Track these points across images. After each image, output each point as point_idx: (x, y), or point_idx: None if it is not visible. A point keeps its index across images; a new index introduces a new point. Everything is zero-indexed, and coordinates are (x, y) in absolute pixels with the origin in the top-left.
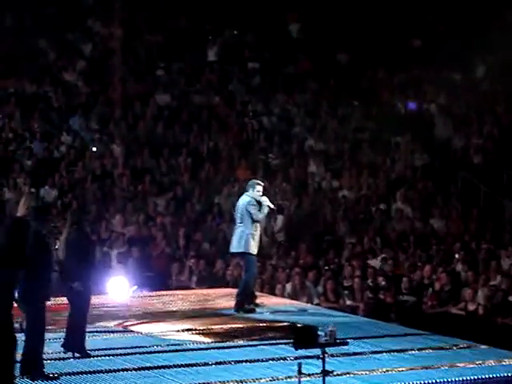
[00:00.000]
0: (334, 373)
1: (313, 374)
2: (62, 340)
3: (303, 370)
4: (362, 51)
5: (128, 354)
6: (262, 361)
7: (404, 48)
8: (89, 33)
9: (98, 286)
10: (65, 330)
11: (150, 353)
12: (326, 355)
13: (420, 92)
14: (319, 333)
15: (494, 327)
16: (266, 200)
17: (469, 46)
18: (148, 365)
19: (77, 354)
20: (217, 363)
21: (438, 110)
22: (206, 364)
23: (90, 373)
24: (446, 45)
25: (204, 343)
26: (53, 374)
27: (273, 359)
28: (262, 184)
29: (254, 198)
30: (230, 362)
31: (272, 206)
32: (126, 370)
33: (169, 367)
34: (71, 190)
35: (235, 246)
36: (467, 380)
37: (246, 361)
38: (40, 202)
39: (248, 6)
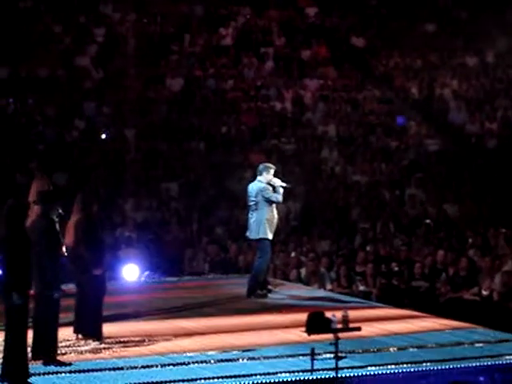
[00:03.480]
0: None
1: (326, 359)
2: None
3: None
4: (377, 36)
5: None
6: (275, 345)
7: (418, 33)
8: (102, 17)
9: (108, 271)
10: (74, 314)
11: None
12: (338, 340)
13: (434, 77)
14: (332, 318)
15: (509, 312)
16: (278, 181)
17: (483, 31)
18: (163, 350)
19: (90, 340)
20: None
21: (452, 94)
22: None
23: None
24: (460, 29)
25: (216, 328)
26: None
27: (285, 344)
28: (273, 167)
29: (267, 182)
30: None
31: (285, 185)
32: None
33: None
34: (83, 175)
35: (252, 233)
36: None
37: (259, 345)
38: (51, 186)
39: None
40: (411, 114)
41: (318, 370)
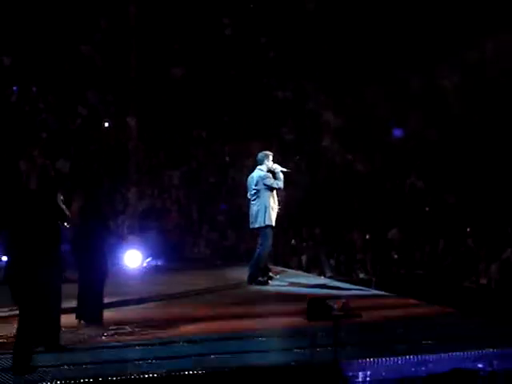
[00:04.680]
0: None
1: (325, 346)
2: (76, 311)
3: (316, 342)
4: (377, 28)
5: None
6: (274, 331)
7: (418, 26)
8: (105, 6)
9: (112, 258)
10: (76, 300)
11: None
12: (338, 327)
13: (433, 69)
14: (332, 305)
15: (507, 300)
16: (277, 166)
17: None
18: (163, 335)
19: (91, 323)
20: (230, 335)
21: (452, 86)
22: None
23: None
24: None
25: (217, 314)
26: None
27: (286, 330)
28: (271, 153)
29: (267, 170)
30: (242, 333)
31: (285, 170)
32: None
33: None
34: (86, 163)
35: (255, 222)
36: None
37: (258, 330)
38: (54, 173)
39: None
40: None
41: (318, 355)
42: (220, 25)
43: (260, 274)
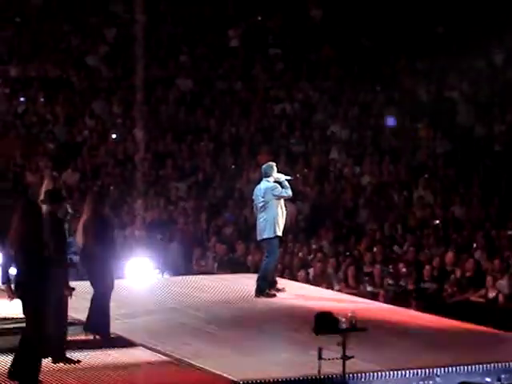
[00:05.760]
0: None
1: (333, 359)
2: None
3: (323, 355)
4: (385, 37)
5: None
6: (282, 345)
7: (427, 34)
8: (112, 17)
9: (118, 270)
10: (87, 312)
11: None
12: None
13: (442, 79)
14: (339, 318)
15: None
16: (281, 176)
17: (491, 34)
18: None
19: (98, 337)
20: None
21: (461, 97)
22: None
23: None
24: (469, 32)
25: (223, 327)
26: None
27: (293, 344)
28: (275, 164)
29: (273, 180)
30: (249, 346)
31: (288, 178)
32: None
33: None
34: (93, 174)
35: (263, 233)
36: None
37: (265, 343)
38: (62, 185)
39: None
40: (419, 115)
41: (326, 369)
42: (225, 36)
43: (268, 286)
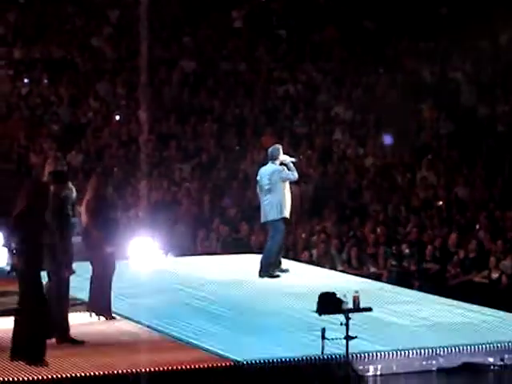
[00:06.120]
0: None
1: (336, 339)
2: (87, 303)
3: (326, 336)
4: (388, 19)
5: None
6: (285, 326)
7: (430, 16)
8: None
9: (122, 251)
10: (88, 293)
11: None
12: (349, 321)
13: (446, 60)
14: (343, 299)
15: None
16: (285, 158)
17: (494, 14)
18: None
19: (102, 317)
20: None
21: (464, 78)
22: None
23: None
24: (472, 13)
25: (227, 308)
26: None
27: (296, 324)
28: (281, 147)
29: (280, 163)
30: (253, 326)
31: (294, 160)
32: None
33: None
34: (97, 156)
35: (268, 214)
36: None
37: (269, 323)
38: (65, 167)
39: None
40: (422, 96)
41: (329, 349)
42: (229, 17)
43: (271, 267)
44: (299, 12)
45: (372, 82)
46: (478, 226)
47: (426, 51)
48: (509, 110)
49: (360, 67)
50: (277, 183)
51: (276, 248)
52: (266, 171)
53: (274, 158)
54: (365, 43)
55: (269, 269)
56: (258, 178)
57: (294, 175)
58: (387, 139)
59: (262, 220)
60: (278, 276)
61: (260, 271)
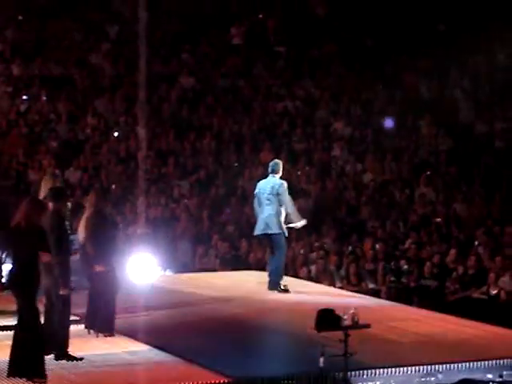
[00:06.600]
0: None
1: (335, 356)
2: (85, 320)
3: (325, 352)
4: (387, 35)
5: None
6: (284, 342)
7: (428, 32)
8: (114, 15)
9: (121, 268)
10: (86, 310)
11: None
12: (348, 338)
13: (444, 76)
14: (341, 316)
15: None
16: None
17: (492, 31)
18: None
19: (100, 334)
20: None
21: (462, 94)
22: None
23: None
24: (470, 29)
25: (228, 324)
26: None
27: (295, 341)
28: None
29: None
30: (253, 343)
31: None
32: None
33: None
34: (96, 172)
35: (268, 227)
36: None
37: (268, 340)
38: (63, 184)
39: None
40: (421, 113)
41: (328, 366)
42: (228, 34)
43: (280, 280)
44: (298, 28)
45: (371, 98)
46: (476, 243)
47: (424, 68)
48: (507, 126)
49: (358, 83)
50: (277, 197)
51: (283, 261)
52: (266, 184)
53: (274, 172)
54: (364, 59)
55: (278, 282)
56: (257, 190)
57: (289, 209)
58: (388, 123)
59: (261, 232)
60: (287, 290)
61: (269, 286)
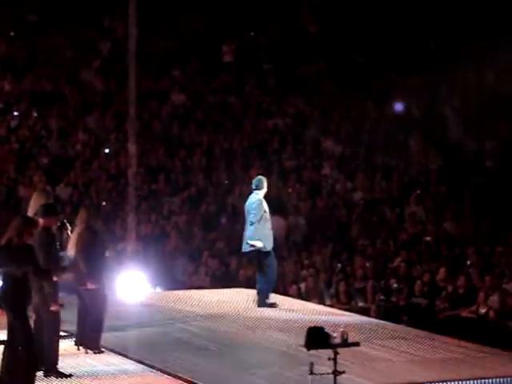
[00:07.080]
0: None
1: (323, 374)
2: (75, 337)
3: (314, 370)
4: (377, 53)
5: None
6: (273, 360)
7: (418, 51)
8: (106, 32)
9: (110, 284)
10: (76, 327)
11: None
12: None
13: (433, 94)
14: (331, 334)
15: (505, 331)
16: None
17: (482, 50)
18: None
19: (89, 351)
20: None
21: (452, 112)
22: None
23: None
24: (460, 48)
25: (216, 342)
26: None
27: (284, 359)
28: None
29: (263, 195)
30: (240, 360)
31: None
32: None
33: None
34: (86, 189)
35: (266, 243)
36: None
37: (256, 357)
38: (53, 200)
39: (264, 6)
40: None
41: None
42: (219, 51)
43: (269, 296)
44: (288, 46)
45: (360, 115)
46: (468, 262)
47: (414, 85)
48: (496, 145)
49: (348, 101)
50: (260, 214)
51: (273, 277)
52: (249, 201)
53: (258, 188)
54: (353, 77)
55: (268, 298)
56: (245, 209)
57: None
58: (398, 106)
59: (248, 249)
60: (275, 305)
61: (259, 301)
